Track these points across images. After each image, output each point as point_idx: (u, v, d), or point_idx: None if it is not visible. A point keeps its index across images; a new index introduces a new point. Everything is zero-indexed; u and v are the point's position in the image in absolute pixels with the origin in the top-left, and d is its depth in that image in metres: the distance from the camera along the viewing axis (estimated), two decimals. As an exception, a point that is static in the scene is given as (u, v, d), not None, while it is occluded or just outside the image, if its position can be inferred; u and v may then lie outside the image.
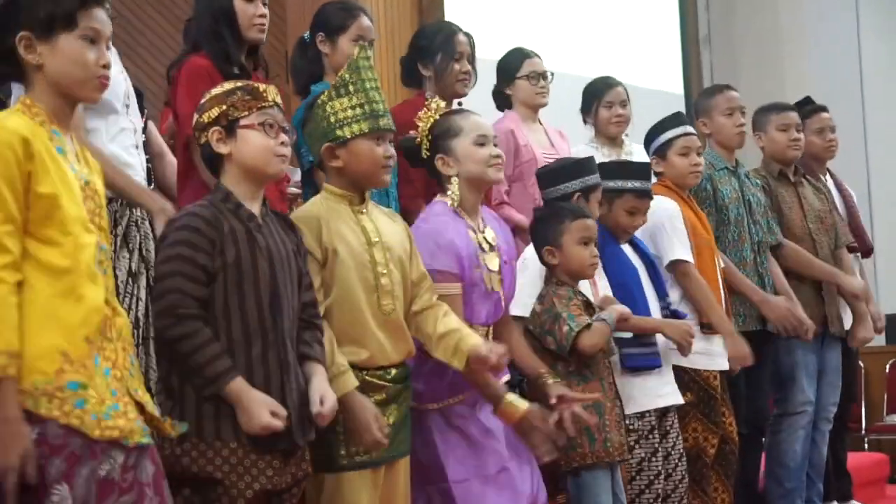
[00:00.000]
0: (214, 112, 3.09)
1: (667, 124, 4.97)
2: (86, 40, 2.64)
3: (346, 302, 3.31)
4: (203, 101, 3.16)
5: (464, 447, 3.59)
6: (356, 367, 3.30)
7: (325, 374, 3.13)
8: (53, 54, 2.64)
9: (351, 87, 3.40)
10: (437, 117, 3.73)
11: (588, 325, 3.92)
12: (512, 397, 3.59)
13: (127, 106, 3.68)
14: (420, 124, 3.73)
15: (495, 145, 3.73)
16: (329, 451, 3.25)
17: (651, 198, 4.53)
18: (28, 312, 2.51)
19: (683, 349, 4.31)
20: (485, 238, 3.72)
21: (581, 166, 4.38)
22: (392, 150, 3.44)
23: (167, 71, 4.07)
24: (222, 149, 3.08)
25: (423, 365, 3.55)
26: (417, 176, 4.23)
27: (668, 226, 4.70)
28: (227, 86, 3.15)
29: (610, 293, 4.27)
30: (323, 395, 3.06)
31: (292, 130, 3.23)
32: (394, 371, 3.40)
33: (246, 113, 3.07)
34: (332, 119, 3.38)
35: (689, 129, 4.98)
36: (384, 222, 3.49)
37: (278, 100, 3.14)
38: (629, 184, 4.46)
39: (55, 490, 2.49)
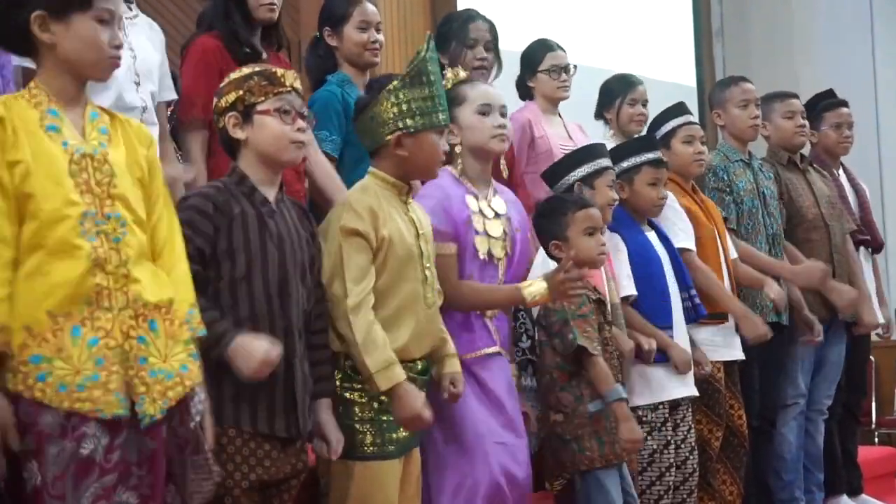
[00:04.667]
0: (231, 97, 3.09)
1: (670, 114, 4.99)
2: (99, 21, 2.66)
3: (397, 292, 3.32)
4: (222, 85, 3.16)
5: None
6: None
7: (330, 409, 3.18)
8: (67, 34, 2.66)
9: (424, 79, 3.39)
10: (450, 86, 3.73)
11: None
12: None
13: (136, 84, 3.68)
14: None
15: (503, 115, 3.71)
16: (358, 438, 3.26)
17: (667, 167, 4.55)
18: (15, 292, 2.56)
19: (679, 372, 4.32)
20: (490, 205, 3.71)
21: (584, 153, 4.38)
22: (447, 146, 3.45)
23: (181, 51, 4.11)
24: (239, 134, 3.08)
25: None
26: None
27: (669, 213, 4.69)
28: (245, 70, 3.15)
29: (627, 272, 4.25)
30: (333, 435, 3.14)
31: (311, 116, 3.22)
32: (420, 364, 3.42)
33: (262, 98, 3.07)
34: (404, 108, 3.37)
35: (692, 118, 5.00)
36: (423, 215, 3.51)
37: (297, 85, 3.13)
38: (643, 157, 4.50)
39: (26, 468, 2.52)
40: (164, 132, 3.81)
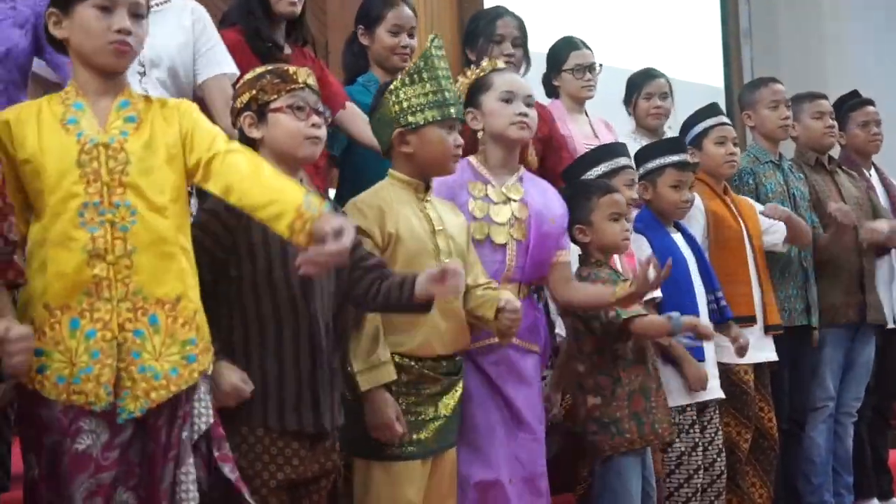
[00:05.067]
0: (245, 97, 3.09)
1: (702, 115, 4.97)
2: (99, 9, 2.66)
3: None
4: (237, 85, 3.17)
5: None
6: (411, 357, 3.31)
7: None
8: (73, 26, 2.70)
9: (424, 75, 3.41)
10: (483, 74, 3.74)
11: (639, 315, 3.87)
12: None
13: (141, 74, 3.66)
14: (461, 79, 3.75)
15: (528, 105, 3.70)
16: (379, 439, 3.25)
17: (693, 170, 4.52)
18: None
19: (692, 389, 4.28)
20: (503, 191, 3.69)
21: (603, 151, 4.37)
22: (461, 140, 3.44)
23: None
24: (255, 133, 3.07)
25: None
26: None
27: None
28: (258, 70, 3.14)
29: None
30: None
31: (327, 113, 3.22)
32: (447, 363, 3.40)
33: (275, 96, 3.06)
34: (405, 105, 3.39)
35: (724, 118, 4.97)
36: (446, 212, 3.50)
37: (310, 81, 3.12)
38: (667, 159, 4.46)
39: (26, 459, 2.56)
40: (218, 109, 3.72)
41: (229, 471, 2.71)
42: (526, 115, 3.69)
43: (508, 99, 3.69)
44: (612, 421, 3.88)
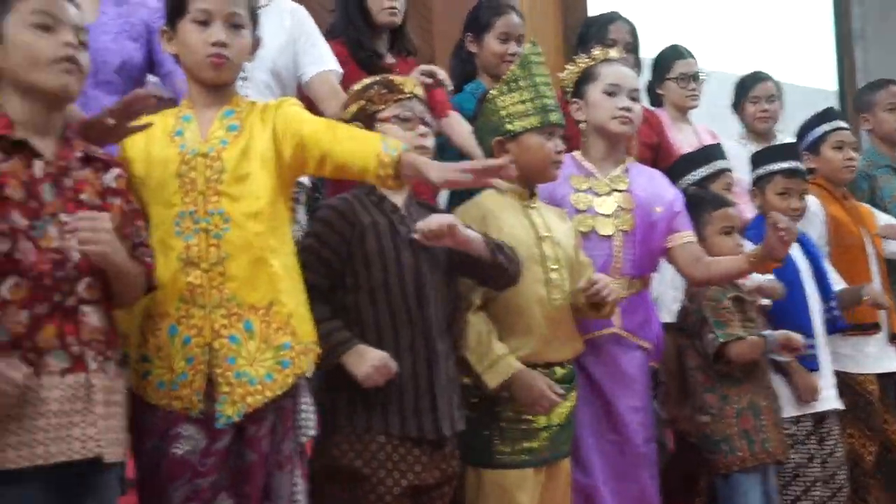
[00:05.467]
0: (354, 108, 3.14)
1: (819, 119, 4.90)
2: (197, 23, 2.70)
3: (513, 294, 3.28)
4: (346, 97, 3.20)
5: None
6: (523, 363, 3.27)
7: None
8: (178, 42, 2.77)
9: (521, 83, 3.42)
10: (592, 63, 3.73)
11: (739, 338, 3.82)
12: None
13: (243, 78, 3.67)
14: (567, 67, 3.74)
15: (633, 99, 3.66)
16: (490, 447, 3.25)
17: (804, 178, 4.41)
18: None
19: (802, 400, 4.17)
20: (607, 182, 3.66)
21: (700, 155, 4.34)
22: (562, 145, 3.42)
23: None
24: None
25: None
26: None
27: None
28: (366, 81, 3.18)
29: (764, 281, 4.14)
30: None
31: (434, 122, 3.22)
32: (560, 370, 3.38)
33: (382, 107, 3.10)
34: (503, 113, 3.41)
35: (842, 123, 4.89)
36: (553, 219, 3.48)
37: (417, 91, 3.15)
38: (775, 166, 4.37)
39: (133, 462, 2.60)
40: (326, 102, 3.73)
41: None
42: (629, 109, 3.65)
43: (613, 92, 3.66)
44: (723, 439, 3.85)
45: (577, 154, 3.73)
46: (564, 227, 3.51)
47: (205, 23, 2.70)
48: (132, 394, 2.62)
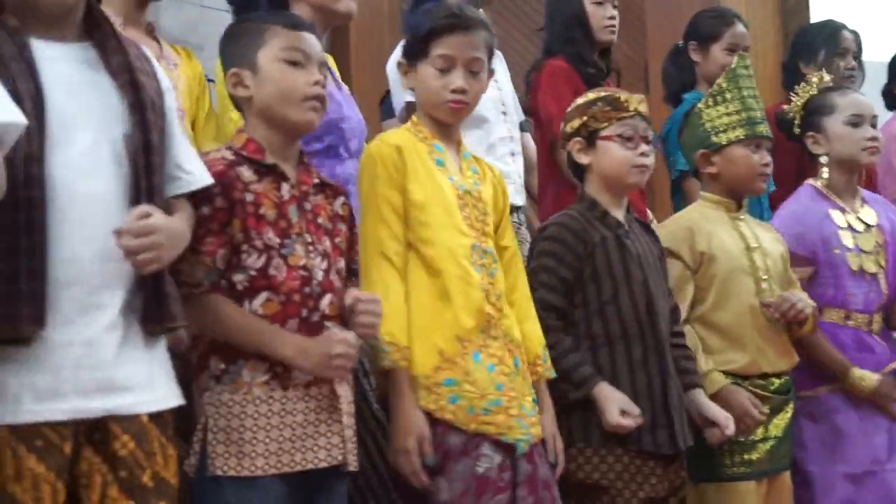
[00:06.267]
0: (576, 123, 3.17)
1: None
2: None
3: (727, 306, 3.30)
4: (568, 110, 3.24)
5: (824, 439, 3.49)
6: (738, 375, 3.28)
7: (706, 397, 3.17)
8: (416, 79, 2.85)
9: (728, 95, 3.42)
10: (816, 92, 3.68)
11: None
12: (860, 372, 3.46)
13: (504, 114, 3.79)
14: (795, 97, 3.69)
15: (873, 126, 3.60)
16: (712, 460, 3.25)
17: None
18: (412, 312, 2.70)
19: None
20: (859, 218, 3.59)
21: None
22: (769, 158, 3.41)
23: (525, 77, 4.22)
24: (583, 159, 3.15)
25: None
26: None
27: None
28: (591, 95, 3.21)
29: None
30: (720, 415, 3.12)
31: (657, 141, 3.25)
32: (776, 381, 3.37)
33: (606, 124, 3.12)
34: (709, 126, 3.42)
35: None
36: (761, 231, 3.47)
37: (641, 108, 3.16)
38: None
39: (433, 484, 2.64)
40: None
41: None
42: (876, 138, 3.60)
43: (857, 123, 3.61)
44: None
45: (821, 186, 3.66)
46: (772, 237, 3.49)
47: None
48: (430, 417, 2.68)
